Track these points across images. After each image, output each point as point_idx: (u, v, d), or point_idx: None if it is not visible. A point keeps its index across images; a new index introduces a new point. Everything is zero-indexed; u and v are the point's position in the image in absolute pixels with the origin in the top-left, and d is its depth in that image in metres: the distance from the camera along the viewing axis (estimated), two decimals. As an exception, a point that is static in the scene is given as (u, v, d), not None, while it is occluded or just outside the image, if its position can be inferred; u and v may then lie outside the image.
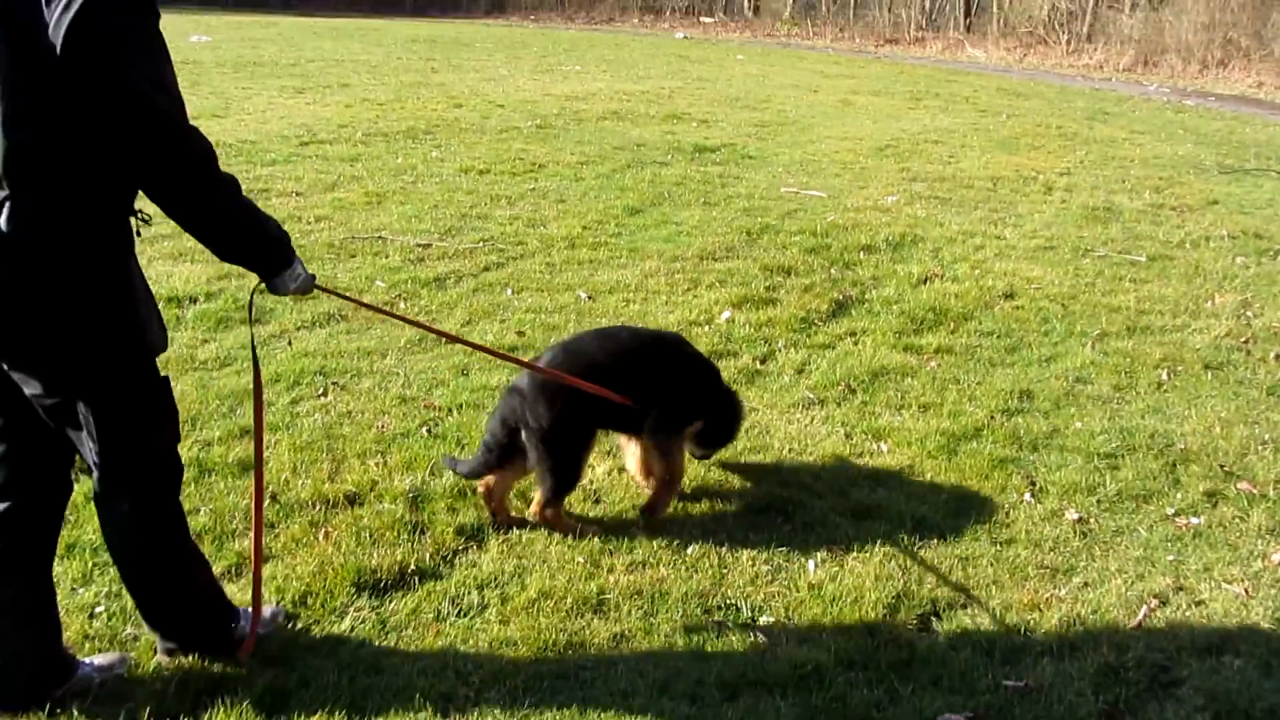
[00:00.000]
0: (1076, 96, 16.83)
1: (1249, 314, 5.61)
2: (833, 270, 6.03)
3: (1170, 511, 3.44)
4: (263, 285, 2.32)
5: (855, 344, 4.88)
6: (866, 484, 3.54)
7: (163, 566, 2.38)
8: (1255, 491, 3.57)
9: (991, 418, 4.09)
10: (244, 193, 2.15)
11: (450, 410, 3.99)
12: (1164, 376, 4.62)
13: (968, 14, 27.88)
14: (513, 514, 3.26)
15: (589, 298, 5.39)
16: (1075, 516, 3.38)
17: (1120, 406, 4.30)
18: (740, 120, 12.17)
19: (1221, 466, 3.74)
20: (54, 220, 1.95)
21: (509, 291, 5.44)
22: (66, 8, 1.83)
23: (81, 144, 1.94)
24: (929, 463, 3.70)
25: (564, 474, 3.12)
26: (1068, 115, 13.96)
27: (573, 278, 5.69)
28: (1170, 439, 3.97)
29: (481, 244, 6.29)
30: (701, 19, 33.86)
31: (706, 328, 4.99)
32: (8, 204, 1.93)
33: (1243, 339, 5.16)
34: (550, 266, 5.91)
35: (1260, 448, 3.92)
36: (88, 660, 2.43)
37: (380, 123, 10.75)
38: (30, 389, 2.09)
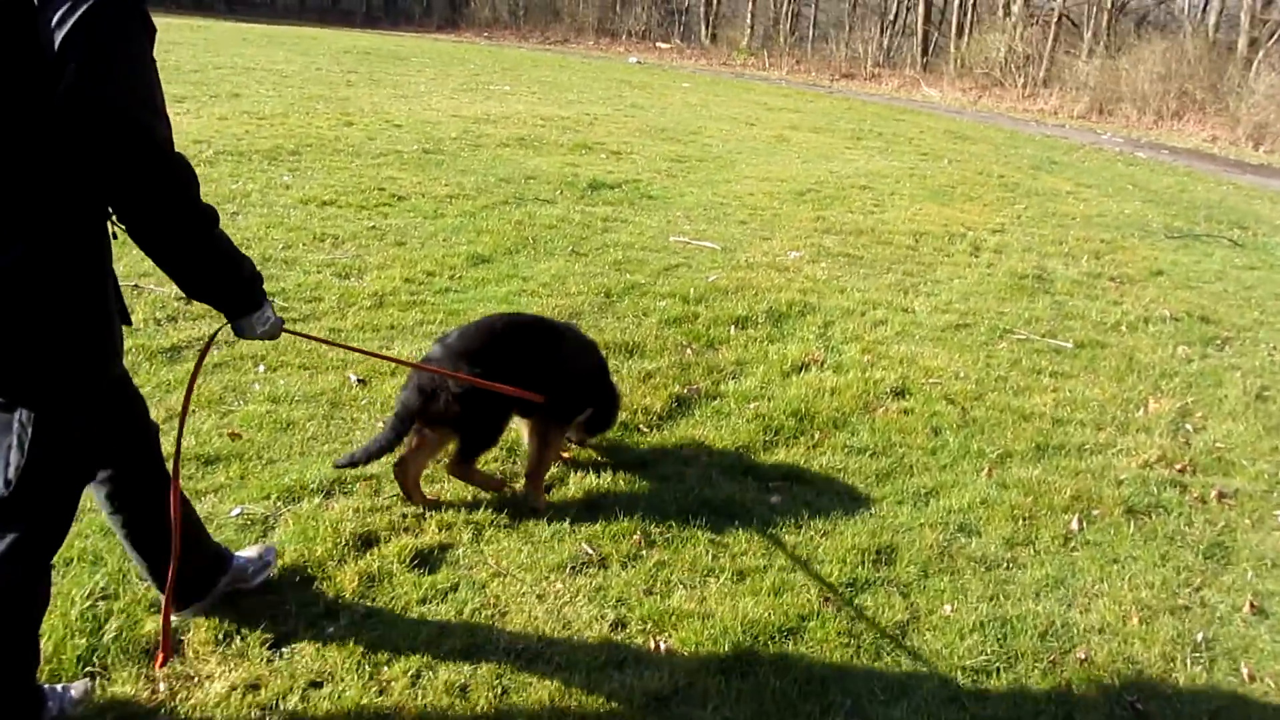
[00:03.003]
0: (1026, 143, 16.01)
1: (1188, 426, 4.57)
2: (690, 350, 4.90)
3: (1054, 784, 2.33)
4: (227, 326, 2.24)
5: (682, 464, 3.74)
6: (611, 725, 2.38)
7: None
8: (1179, 749, 2.47)
9: (827, 598, 2.95)
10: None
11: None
12: (1074, 526, 3.53)
13: (925, 52, 27.24)
14: (429, 496, 3.27)
15: (360, 382, 4.20)
16: (912, 792, 2.26)
17: (1011, 575, 3.19)
18: (657, 153, 11.09)
19: (1134, 704, 2.62)
20: (37, 238, 1.86)
21: (261, 368, 4.24)
22: (69, 12, 1.73)
23: (66, 160, 1.83)
24: (714, 682, 2.55)
25: (482, 433, 3.18)
26: (1013, 163, 13.06)
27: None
28: (1069, 638, 2.87)
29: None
30: (658, 44, 33.05)
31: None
32: None
33: (1178, 466, 4.10)
34: (334, 334, 4.72)
35: (1191, 657, 2.83)
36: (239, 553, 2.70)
37: (245, 140, 9.52)
38: None
